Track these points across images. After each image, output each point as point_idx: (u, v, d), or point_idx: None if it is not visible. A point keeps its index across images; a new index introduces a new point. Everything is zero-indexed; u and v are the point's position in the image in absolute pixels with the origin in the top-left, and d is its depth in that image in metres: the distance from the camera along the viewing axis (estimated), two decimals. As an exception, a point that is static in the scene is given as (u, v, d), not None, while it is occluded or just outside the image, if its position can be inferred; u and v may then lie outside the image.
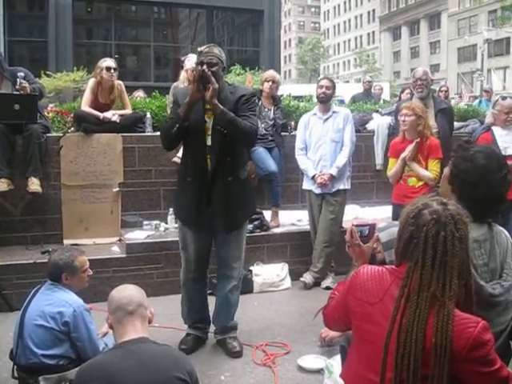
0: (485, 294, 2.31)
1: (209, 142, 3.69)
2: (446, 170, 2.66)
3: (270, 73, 6.24)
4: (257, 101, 3.92)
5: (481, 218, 2.44)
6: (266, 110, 6.08)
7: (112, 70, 5.85)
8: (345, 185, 5.57)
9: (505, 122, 5.43)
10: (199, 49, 3.71)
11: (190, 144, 3.80)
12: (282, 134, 6.32)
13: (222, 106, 3.54)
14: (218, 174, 3.72)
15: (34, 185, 5.27)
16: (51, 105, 7.51)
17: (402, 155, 4.92)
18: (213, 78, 3.48)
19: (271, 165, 5.93)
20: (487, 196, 2.43)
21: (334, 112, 5.55)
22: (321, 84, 5.55)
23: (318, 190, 5.52)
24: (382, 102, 10.72)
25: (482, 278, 2.36)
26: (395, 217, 4.82)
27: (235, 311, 4.15)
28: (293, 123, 6.53)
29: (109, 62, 5.91)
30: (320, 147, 5.51)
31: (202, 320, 4.19)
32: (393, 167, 5.06)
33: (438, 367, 1.82)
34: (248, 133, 3.65)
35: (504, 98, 5.70)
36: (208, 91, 3.49)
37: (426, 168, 4.87)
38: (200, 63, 3.58)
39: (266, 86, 6.03)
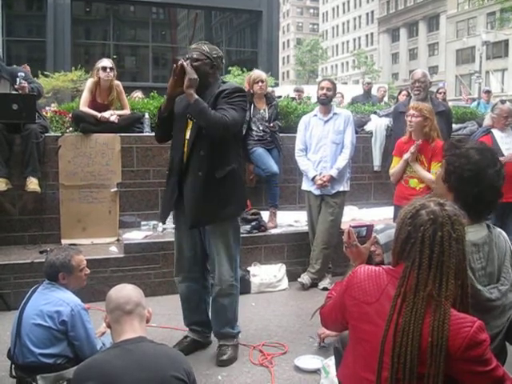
0: (482, 299, 2.31)
1: (188, 136, 3.71)
2: (440, 170, 2.66)
3: (257, 73, 6.22)
4: (244, 96, 3.86)
5: (479, 215, 2.44)
6: (261, 111, 6.09)
7: (108, 70, 5.87)
8: (344, 187, 5.58)
9: (504, 125, 5.47)
10: (190, 47, 3.79)
11: (173, 137, 3.87)
12: (280, 134, 6.32)
13: (196, 96, 3.53)
14: (190, 168, 3.70)
15: (33, 184, 5.27)
16: (53, 105, 7.51)
17: (405, 156, 4.92)
18: (189, 70, 3.53)
19: (273, 166, 5.94)
20: (484, 191, 2.42)
21: (334, 114, 5.56)
22: (322, 85, 5.56)
23: (317, 192, 5.53)
24: (383, 103, 10.73)
25: (480, 281, 2.36)
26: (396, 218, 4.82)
27: (230, 319, 3.99)
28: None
29: (105, 62, 5.96)
30: (320, 148, 5.52)
31: (199, 323, 4.11)
32: (396, 165, 5.07)
33: (433, 366, 1.83)
34: (217, 123, 3.54)
35: (503, 102, 5.74)
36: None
37: (429, 170, 4.86)
38: (184, 58, 3.65)
39: (257, 87, 6.02)
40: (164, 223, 3.96)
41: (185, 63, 3.55)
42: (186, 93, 3.57)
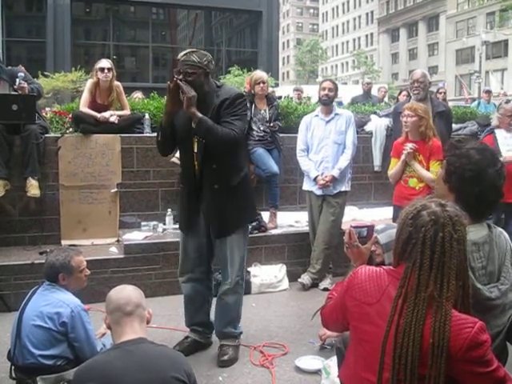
0: (482, 298, 2.31)
1: (196, 149, 3.69)
2: (441, 170, 2.66)
3: (259, 74, 6.21)
4: (244, 101, 3.84)
5: (480, 216, 2.45)
6: (261, 111, 6.08)
7: (106, 70, 5.86)
8: (345, 187, 5.59)
9: (508, 125, 5.47)
10: (178, 57, 3.67)
11: (181, 150, 3.88)
12: (281, 135, 6.32)
13: (200, 115, 3.51)
14: (204, 182, 3.71)
15: (33, 188, 5.26)
16: (54, 105, 7.52)
17: (402, 157, 4.92)
18: (186, 88, 3.47)
19: (273, 166, 5.95)
20: (485, 191, 2.42)
21: (336, 114, 5.56)
22: (323, 86, 5.56)
23: (318, 192, 5.53)
24: (383, 103, 10.73)
25: (480, 281, 2.36)
26: (396, 218, 4.80)
27: (234, 318, 4.01)
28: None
29: (103, 63, 5.94)
30: (322, 149, 5.52)
31: (201, 323, 4.10)
32: (394, 167, 5.06)
33: (435, 367, 1.83)
34: (226, 140, 3.55)
35: (508, 102, 5.75)
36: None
37: (428, 169, 4.85)
38: (177, 72, 3.56)
39: (258, 88, 6.01)
40: (187, 234, 3.94)
41: (179, 82, 3.48)
42: (188, 112, 3.53)
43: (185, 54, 3.60)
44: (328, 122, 5.53)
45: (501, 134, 5.50)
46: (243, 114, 3.77)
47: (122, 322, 2.31)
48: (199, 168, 3.69)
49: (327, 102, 5.55)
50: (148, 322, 2.43)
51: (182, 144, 3.78)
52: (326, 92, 5.50)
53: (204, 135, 3.55)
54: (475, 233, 2.38)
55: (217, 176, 3.68)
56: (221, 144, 3.57)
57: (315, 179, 5.49)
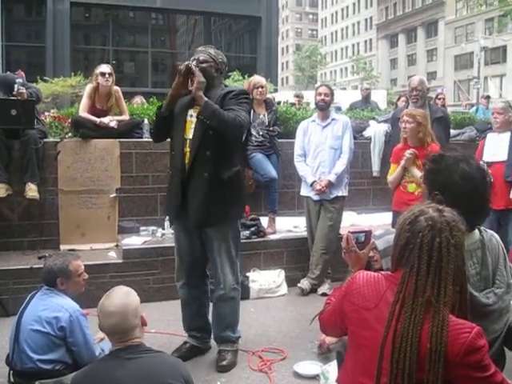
0: (478, 305, 2.31)
1: (190, 136, 3.68)
2: (425, 190, 2.61)
3: (257, 79, 6.23)
4: (249, 98, 3.90)
5: (470, 226, 2.42)
6: (260, 116, 6.10)
7: (107, 75, 5.88)
8: (343, 192, 5.59)
9: (495, 125, 5.48)
10: (197, 49, 3.84)
11: (173, 137, 3.85)
12: (280, 140, 6.33)
13: (206, 98, 3.54)
14: (195, 169, 3.67)
15: (32, 191, 5.27)
16: (52, 110, 7.52)
17: (401, 163, 4.93)
18: (198, 72, 3.54)
19: (272, 171, 5.96)
20: (471, 207, 2.35)
21: (333, 119, 5.57)
22: (319, 91, 5.58)
23: (316, 197, 5.54)
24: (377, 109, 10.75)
25: (475, 287, 2.36)
26: (395, 224, 4.79)
27: (231, 322, 3.99)
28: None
29: (103, 68, 5.96)
30: (319, 154, 5.53)
31: (199, 328, 4.10)
32: (393, 173, 5.07)
33: (432, 372, 1.83)
34: (232, 124, 3.55)
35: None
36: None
37: None
38: (192, 59, 3.66)
39: (256, 92, 6.02)
40: (177, 228, 3.96)
41: (193, 66, 3.55)
42: (195, 95, 3.57)
43: (204, 46, 3.82)
44: (325, 127, 5.54)
45: (491, 138, 5.50)
46: (247, 108, 3.80)
47: (114, 339, 2.32)
48: (191, 155, 3.66)
49: (324, 107, 5.56)
50: (144, 325, 2.43)
51: (176, 130, 3.76)
52: (322, 97, 5.52)
53: (210, 117, 3.54)
54: (466, 240, 2.37)
55: (209, 164, 3.64)
56: (224, 128, 3.56)
57: (312, 184, 5.50)
